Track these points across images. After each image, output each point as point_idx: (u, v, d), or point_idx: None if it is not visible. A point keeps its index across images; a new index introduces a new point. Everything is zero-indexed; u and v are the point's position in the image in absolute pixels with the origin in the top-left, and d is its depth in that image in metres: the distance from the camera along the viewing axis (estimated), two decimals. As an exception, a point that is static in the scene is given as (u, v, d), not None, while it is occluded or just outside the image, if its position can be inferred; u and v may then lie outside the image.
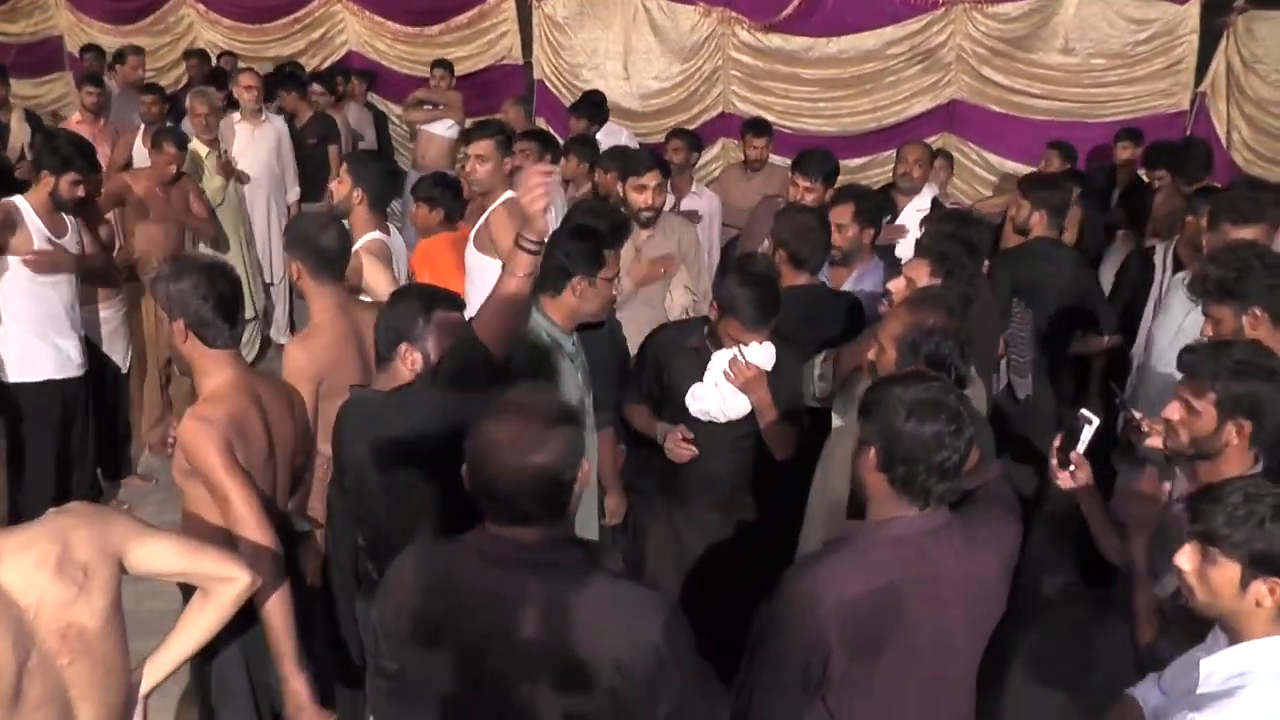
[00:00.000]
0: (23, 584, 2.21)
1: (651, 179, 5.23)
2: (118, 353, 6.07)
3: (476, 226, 5.14)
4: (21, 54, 12.38)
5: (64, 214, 5.38)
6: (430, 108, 9.17)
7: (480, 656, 2.22)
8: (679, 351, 4.06)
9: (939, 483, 2.46)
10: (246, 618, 3.00)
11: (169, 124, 7.61)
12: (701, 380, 3.95)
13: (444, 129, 9.03)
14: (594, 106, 8.05)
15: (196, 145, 7.43)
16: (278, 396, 3.31)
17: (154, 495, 6.27)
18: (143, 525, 2.48)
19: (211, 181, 7.51)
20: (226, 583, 2.56)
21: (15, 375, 5.32)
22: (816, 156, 5.71)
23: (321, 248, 3.91)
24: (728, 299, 3.85)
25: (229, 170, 7.68)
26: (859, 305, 4.59)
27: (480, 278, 4.81)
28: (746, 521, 4.15)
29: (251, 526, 2.96)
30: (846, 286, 4.81)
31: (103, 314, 5.91)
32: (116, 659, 2.36)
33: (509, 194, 4.95)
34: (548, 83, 10.74)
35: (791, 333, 4.13)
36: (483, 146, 5.18)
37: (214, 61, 10.71)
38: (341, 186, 4.89)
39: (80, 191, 5.35)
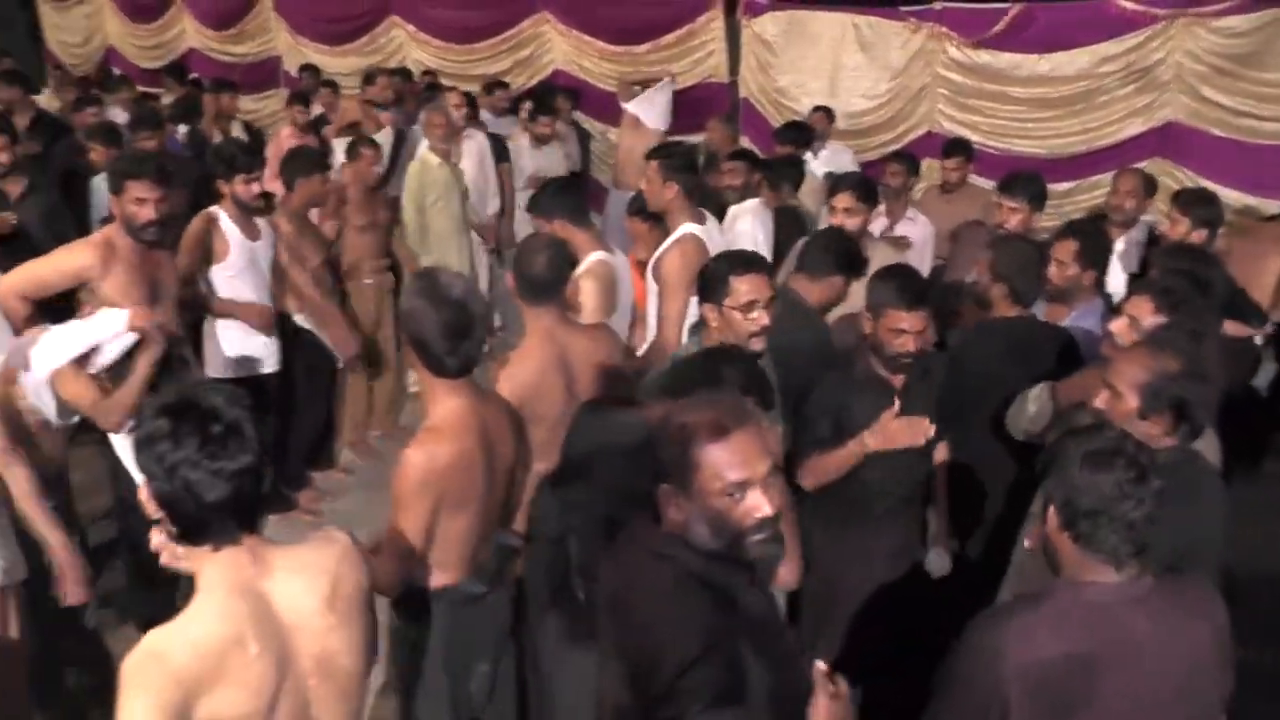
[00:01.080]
0: (291, 605, 2.30)
1: (842, 201, 5.24)
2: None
3: (658, 253, 5.06)
4: (245, 72, 13.35)
5: (255, 217, 5.80)
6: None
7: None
8: (855, 389, 3.99)
9: (1127, 540, 2.37)
10: (448, 627, 3.32)
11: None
12: (893, 404, 3.88)
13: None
14: (796, 130, 8.19)
15: (427, 155, 7.81)
16: (502, 419, 3.41)
17: (352, 490, 6.62)
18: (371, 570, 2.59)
19: (435, 190, 7.82)
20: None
21: (222, 372, 5.70)
22: (1024, 178, 5.68)
23: (532, 272, 3.98)
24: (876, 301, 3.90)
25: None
26: (1073, 342, 4.48)
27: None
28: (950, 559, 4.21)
29: (391, 572, 3.15)
30: (1063, 324, 4.69)
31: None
32: (355, 684, 2.48)
33: (686, 227, 4.95)
34: (753, 101, 10.91)
35: (999, 365, 4.14)
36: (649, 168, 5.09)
37: (417, 79, 11.17)
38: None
39: (256, 188, 5.70)
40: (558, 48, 11.73)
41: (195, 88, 11.08)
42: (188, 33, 14.39)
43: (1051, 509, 2.43)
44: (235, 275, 5.67)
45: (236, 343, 5.76)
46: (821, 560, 3.98)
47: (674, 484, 2.37)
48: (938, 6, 9.99)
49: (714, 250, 5.01)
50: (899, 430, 3.76)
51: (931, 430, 3.78)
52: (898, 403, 3.83)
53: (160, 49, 14.70)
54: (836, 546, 4.07)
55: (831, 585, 4.11)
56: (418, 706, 3.46)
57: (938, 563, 4.36)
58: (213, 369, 5.66)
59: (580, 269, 4.67)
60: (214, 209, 5.66)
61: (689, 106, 10.44)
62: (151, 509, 2.20)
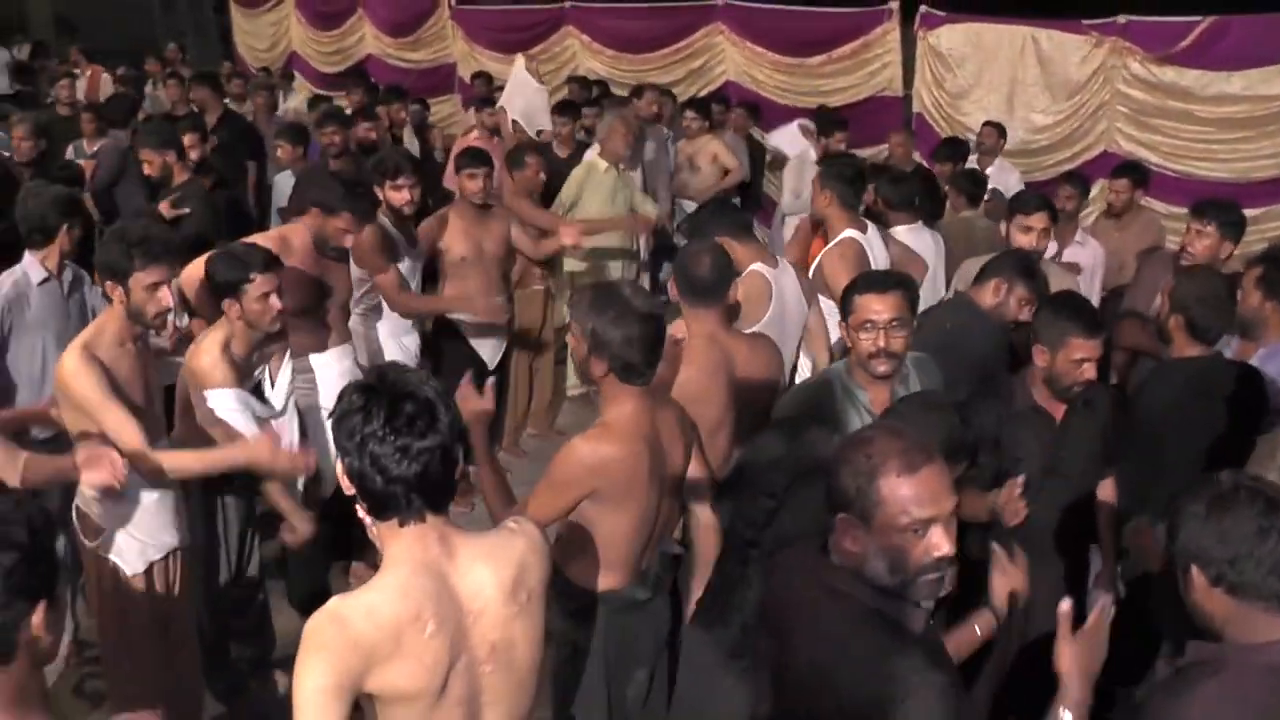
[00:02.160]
0: (473, 590, 2.35)
1: (1038, 221, 5.22)
2: (486, 350, 6.62)
3: (817, 259, 5.27)
4: (419, 78, 13.90)
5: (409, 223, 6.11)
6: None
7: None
8: (1017, 421, 3.91)
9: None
10: (611, 632, 3.42)
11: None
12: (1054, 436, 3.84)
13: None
14: (953, 147, 8.20)
15: (595, 159, 8.04)
16: (672, 423, 3.47)
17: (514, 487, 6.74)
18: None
19: (601, 195, 8.01)
20: None
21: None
22: (1219, 203, 5.53)
23: (696, 274, 4.04)
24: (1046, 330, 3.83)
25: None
26: (1259, 381, 4.24)
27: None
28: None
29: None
30: (1252, 362, 4.46)
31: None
32: (529, 676, 2.51)
33: (848, 232, 5.17)
34: (927, 116, 10.95)
35: (1176, 407, 4.04)
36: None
37: (591, 89, 11.48)
38: None
39: (406, 195, 5.95)
40: (730, 59, 11.91)
41: (375, 93, 11.55)
42: (366, 39, 15.08)
43: (1193, 571, 2.31)
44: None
45: (385, 343, 6.05)
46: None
47: (854, 515, 2.33)
48: (1122, 20, 9.88)
49: (877, 260, 5.10)
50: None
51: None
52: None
53: (340, 55, 15.44)
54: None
55: None
56: (575, 708, 3.54)
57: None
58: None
59: (740, 276, 4.77)
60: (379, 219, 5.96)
61: (861, 120, 10.45)
62: (345, 484, 2.29)
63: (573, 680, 3.51)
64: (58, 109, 10.19)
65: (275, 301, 4.29)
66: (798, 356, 5.05)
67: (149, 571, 4.13)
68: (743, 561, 3.40)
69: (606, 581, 3.42)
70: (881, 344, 3.74)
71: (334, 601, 2.27)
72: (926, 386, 3.92)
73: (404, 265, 5.95)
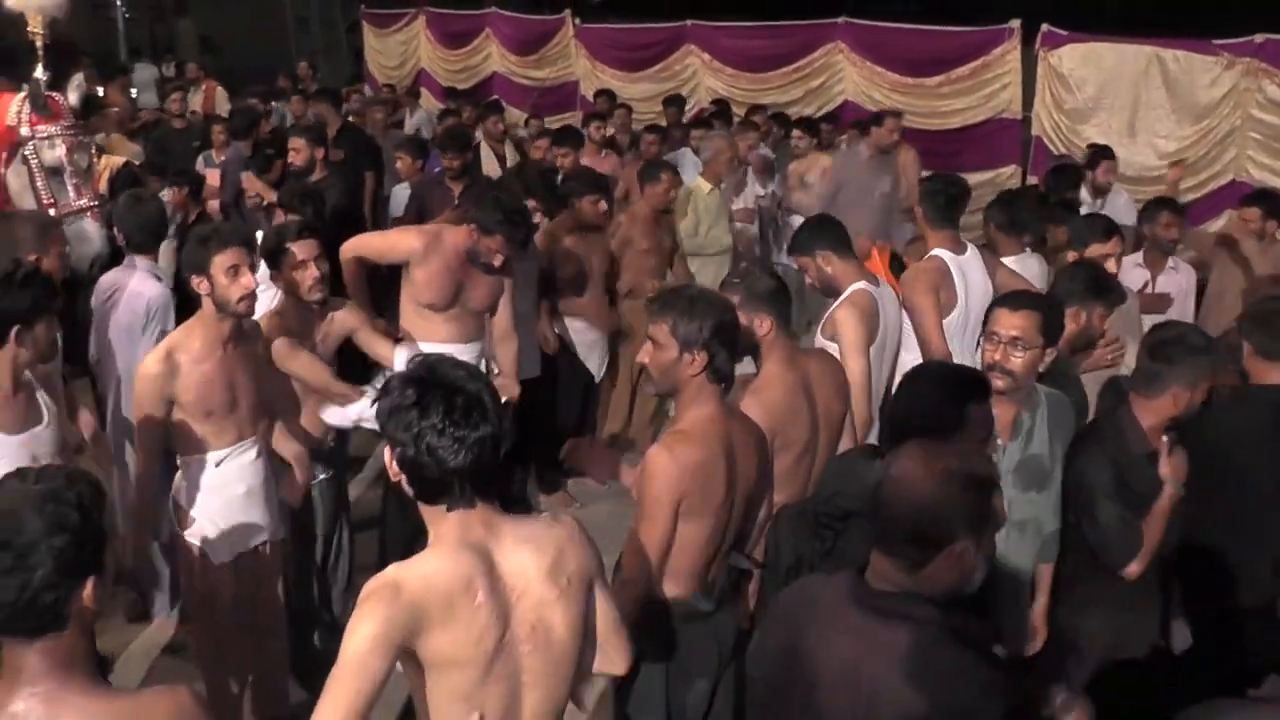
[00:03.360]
0: (515, 570, 2.47)
1: (1113, 246, 5.18)
2: (593, 362, 6.84)
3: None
4: (542, 95, 14.33)
5: None
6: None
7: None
8: (1132, 463, 3.82)
9: None
10: (670, 638, 3.44)
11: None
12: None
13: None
14: (1064, 174, 8.05)
15: (700, 181, 8.21)
16: (748, 439, 3.51)
17: (602, 499, 6.88)
18: (601, 565, 2.74)
19: (709, 216, 8.19)
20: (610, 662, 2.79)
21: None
22: None
23: (766, 297, 4.08)
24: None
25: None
26: None
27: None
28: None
29: (638, 571, 3.32)
30: None
31: (574, 325, 6.75)
32: (568, 663, 2.59)
33: (936, 251, 5.27)
34: (1045, 139, 10.82)
35: (1264, 438, 3.95)
36: None
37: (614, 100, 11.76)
38: None
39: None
40: (849, 78, 11.95)
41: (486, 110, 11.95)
42: (493, 57, 15.64)
43: None
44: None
45: (532, 352, 6.24)
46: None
47: (974, 535, 2.36)
48: (1258, 39, 9.58)
49: (968, 284, 5.10)
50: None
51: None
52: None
53: (466, 72, 16.02)
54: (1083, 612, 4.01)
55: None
56: (630, 710, 3.57)
57: (1179, 636, 4.22)
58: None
59: (840, 299, 4.85)
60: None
61: (978, 143, 10.39)
62: (393, 471, 2.42)
63: (629, 681, 3.48)
64: (173, 122, 10.81)
65: (314, 270, 4.65)
66: (893, 376, 5.08)
67: (236, 562, 4.33)
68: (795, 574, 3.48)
69: (671, 589, 3.44)
70: (998, 358, 3.75)
71: (391, 568, 2.42)
72: (1054, 429, 3.89)
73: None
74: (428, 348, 5.33)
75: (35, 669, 2.05)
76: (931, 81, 11.28)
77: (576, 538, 2.63)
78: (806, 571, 3.50)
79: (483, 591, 2.41)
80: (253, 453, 4.31)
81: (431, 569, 2.40)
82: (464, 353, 5.50)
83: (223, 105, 13.04)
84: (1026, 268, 5.87)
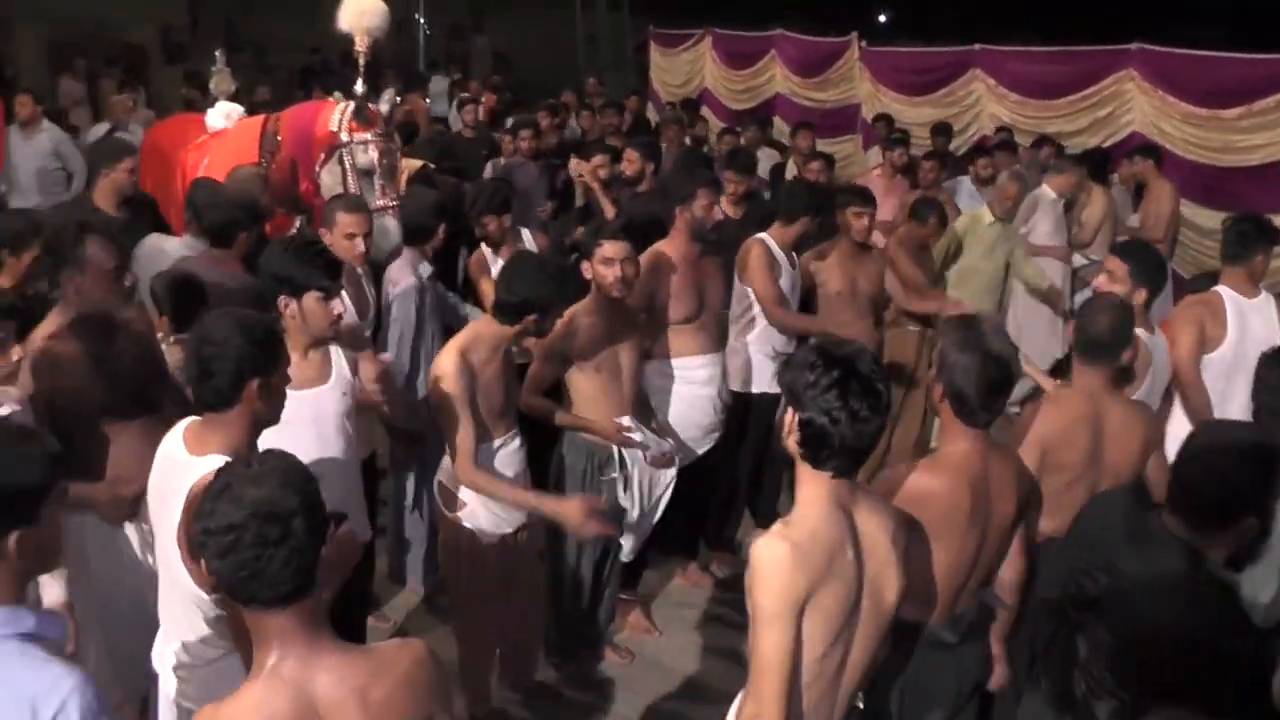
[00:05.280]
0: (866, 530, 2.94)
1: None
2: None
3: None
4: (823, 117, 14.67)
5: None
6: None
7: None
8: None
9: None
10: (909, 664, 3.58)
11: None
12: None
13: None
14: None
15: (982, 211, 8.48)
16: (1009, 477, 3.57)
17: None
18: None
19: (981, 247, 8.37)
20: None
21: (742, 386, 6.43)
22: None
23: (1093, 330, 4.20)
24: None
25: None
26: None
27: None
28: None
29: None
30: None
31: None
32: (886, 625, 3.02)
33: (1217, 288, 5.36)
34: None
35: None
36: None
37: (992, 134, 11.69)
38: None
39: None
40: (1138, 108, 11.64)
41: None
42: (776, 79, 16.17)
43: None
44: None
45: (763, 365, 6.52)
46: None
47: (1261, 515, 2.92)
48: None
49: (1247, 327, 5.27)
50: None
51: None
52: None
53: (749, 93, 16.65)
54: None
55: None
56: None
57: None
58: (736, 382, 6.41)
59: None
60: (763, 235, 6.51)
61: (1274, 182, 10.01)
62: (789, 426, 2.89)
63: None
64: (463, 131, 11.78)
65: (618, 270, 5.07)
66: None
67: (500, 540, 4.78)
68: (1069, 624, 3.35)
69: (915, 613, 3.53)
70: None
71: (779, 528, 2.85)
72: None
73: (784, 282, 6.42)
74: (680, 363, 5.85)
75: (287, 630, 2.30)
76: (1229, 114, 10.78)
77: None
78: (1060, 607, 3.44)
79: (850, 548, 2.87)
80: (516, 443, 4.79)
81: (816, 526, 2.84)
82: (710, 364, 5.95)
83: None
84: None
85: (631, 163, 8.20)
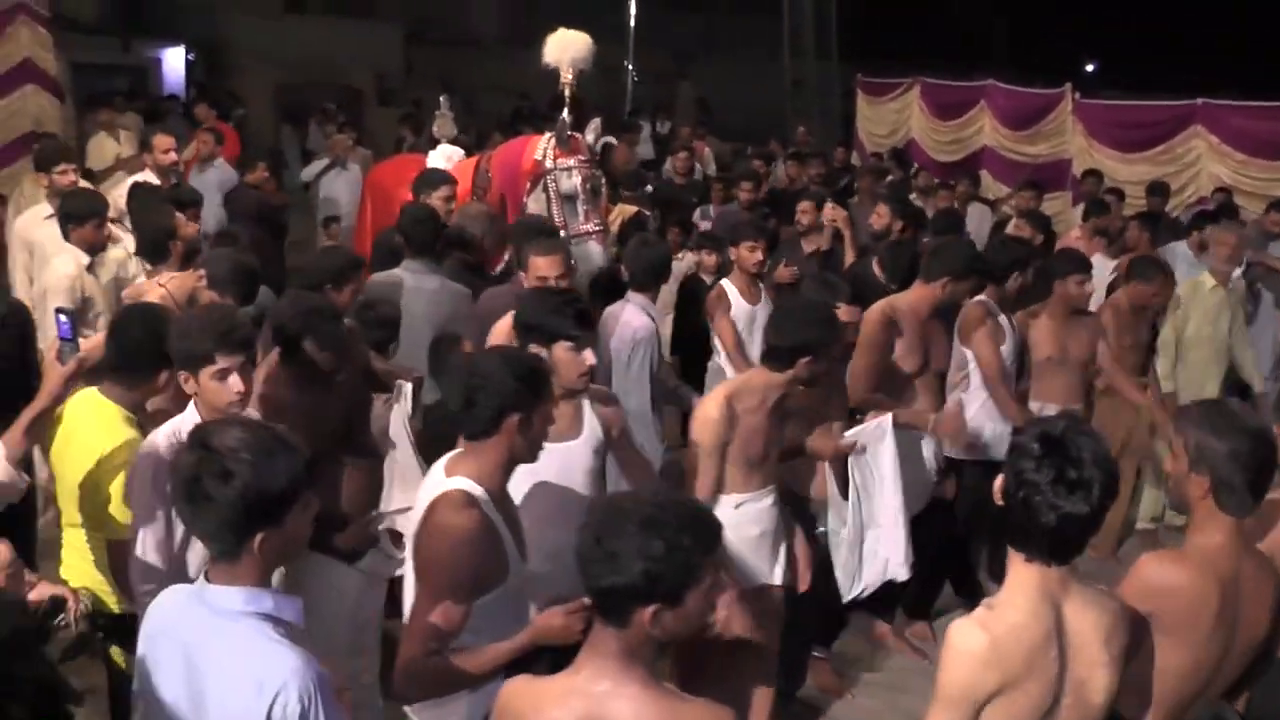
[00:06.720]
0: (1077, 627, 2.78)
1: None
2: None
3: None
4: (1033, 171, 14.21)
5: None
6: None
7: None
8: None
9: None
10: None
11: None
12: None
13: None
14: None
15: (1205, 275, 8.21)
16: (1263, 573, 3.29)
17: None
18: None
19: (1202, 312, 8.13)
20: None
21: (964, 452, 6.24)
22: None
23: None
24: None
25: None
26: None
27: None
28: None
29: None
30: None
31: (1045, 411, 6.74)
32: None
33: None
34: None
35: None
36: None
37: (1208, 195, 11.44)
38: None
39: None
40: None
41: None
42: (985, 131, 15.99)
43: None
44: None
45: (986, 426, 6.35)
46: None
47: None
48: None
49: None
50: None
51: None
52: None
53: (956, 144, 16.54)
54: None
55: None
56: None
57: None
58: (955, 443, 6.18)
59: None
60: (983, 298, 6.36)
61: None
62: (998, 498, 2.80)
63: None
64: (675, 180, 12.14)
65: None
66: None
67: (740, 596, 4.50)
68: None
69: (1131, 715, 3.31)
70: None
71: (981, 614, 2.78)
72: None
73: (1005, 349, 6.28)
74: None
75: (612, 652, 2.44)
76: None
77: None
78: None
79: (1055, 645, 2.74)
80: (770, 499, 4.72)
81: (1021, 622, 2.73)
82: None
83: (709, 163, 14.19)
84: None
85: (881, 216, 8.39)
